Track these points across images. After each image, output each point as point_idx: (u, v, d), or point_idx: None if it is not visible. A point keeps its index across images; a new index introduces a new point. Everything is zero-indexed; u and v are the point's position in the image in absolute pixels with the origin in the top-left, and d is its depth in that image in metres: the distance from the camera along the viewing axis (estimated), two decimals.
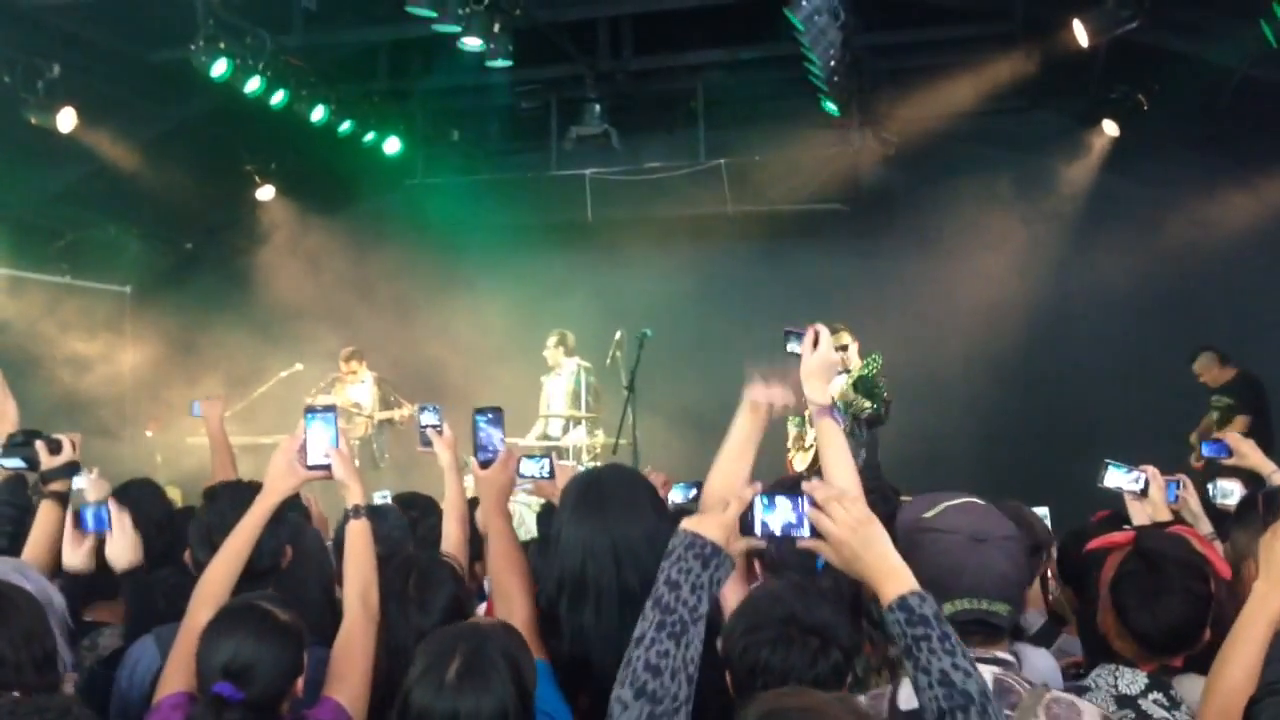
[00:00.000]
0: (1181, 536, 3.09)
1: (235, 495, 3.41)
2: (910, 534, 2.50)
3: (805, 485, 2.32)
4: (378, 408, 11.43)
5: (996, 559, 2.45)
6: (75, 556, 3.58)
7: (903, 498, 4.10)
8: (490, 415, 3.36)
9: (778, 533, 2.32)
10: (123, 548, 3.53)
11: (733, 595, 2.85)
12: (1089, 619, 3.05)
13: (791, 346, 3.23)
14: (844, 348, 9.60)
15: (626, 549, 2.87)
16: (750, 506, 2.35)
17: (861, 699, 2.39)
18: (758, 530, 2.33)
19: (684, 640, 2.21)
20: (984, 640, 2.44)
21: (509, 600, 3.03)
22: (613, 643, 2.80)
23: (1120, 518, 4.11)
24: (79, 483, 4.51)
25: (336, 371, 11.44)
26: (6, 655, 2.58)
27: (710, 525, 2.31)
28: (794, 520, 2.31)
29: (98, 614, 3.81)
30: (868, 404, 9.08)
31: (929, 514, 2.52)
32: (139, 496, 4.02)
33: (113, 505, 3.59)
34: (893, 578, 2.23)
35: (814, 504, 2.29)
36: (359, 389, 11.44)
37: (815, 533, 2.29)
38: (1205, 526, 4.10)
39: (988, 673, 2.36)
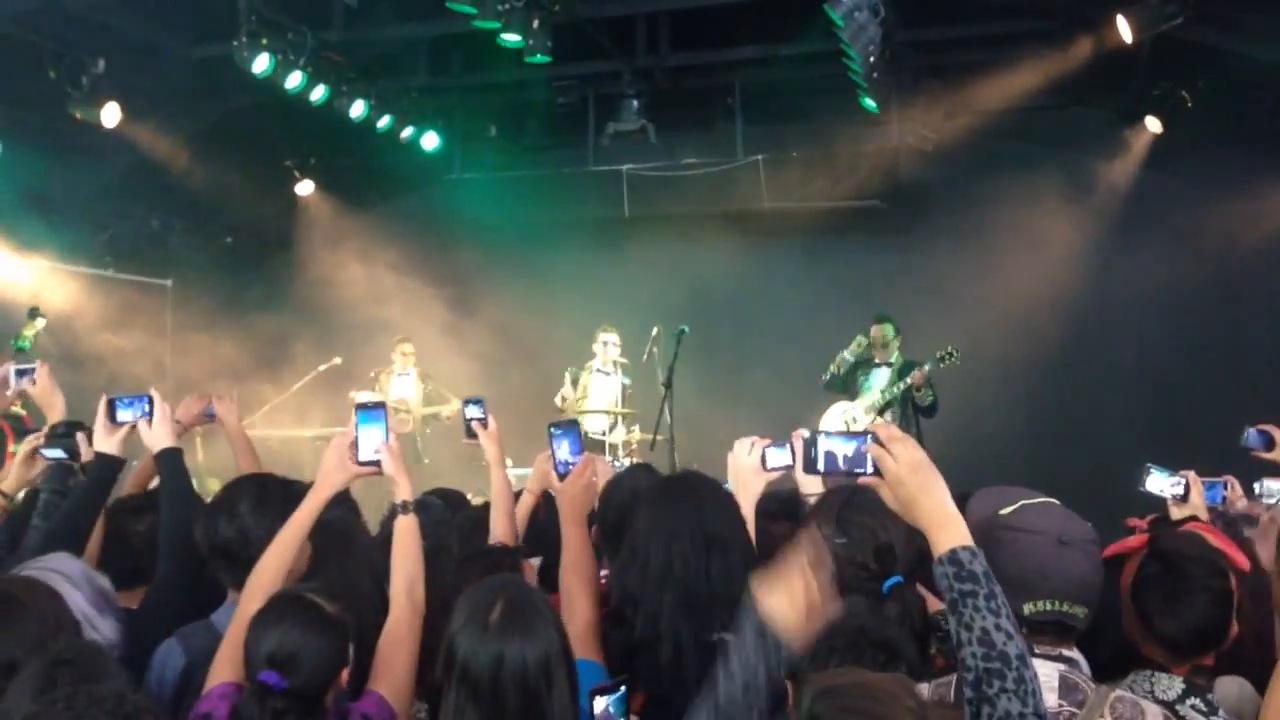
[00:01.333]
0: (1196, 533, 3.08)
1: (238, 482, 3.47)
2: (988, 530, 2.49)
3: (872, 425, 2.34)
4: (422, 403, 11.46)
5: (1080, 562, 2.45)
6: (107, 444, 3.67)
7: None
8: (562, 428, 3.47)
9: (841, 466, 2.34)
10: (161, 432, 3.65)
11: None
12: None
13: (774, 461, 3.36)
14: (896, 335, 9.66)
15: (715, 537, 2.91)
16: (814, 441, 2.37)
17: (926, 686, 2.41)
18: (821, 465, 2.35)
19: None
20: (1055, 639, 2.45)
21: (572, 602, 3.08)
22: (686, 631, 2.84)
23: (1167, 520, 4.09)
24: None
25: (385, 365, 11.47)
26: (19, 660, 2.52)
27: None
28: (856, 458, 2.33)
29: (136, 600, 3.85)
30: (931, 394, 9.16)
31: (1006, 511, 2.52)
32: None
33: (156, 396, 3.68)
34: (947, 528, 2.23)
35: (878, 441, 2.30)
36: (404, 382, 11.47)
37: (876, 473, 2.30)
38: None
39: (1054, 670, 2.39)
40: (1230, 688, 2.86)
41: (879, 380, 9.67)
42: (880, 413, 9.53)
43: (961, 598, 2.15)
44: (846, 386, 9.80)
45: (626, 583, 3.01)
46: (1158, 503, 4.19)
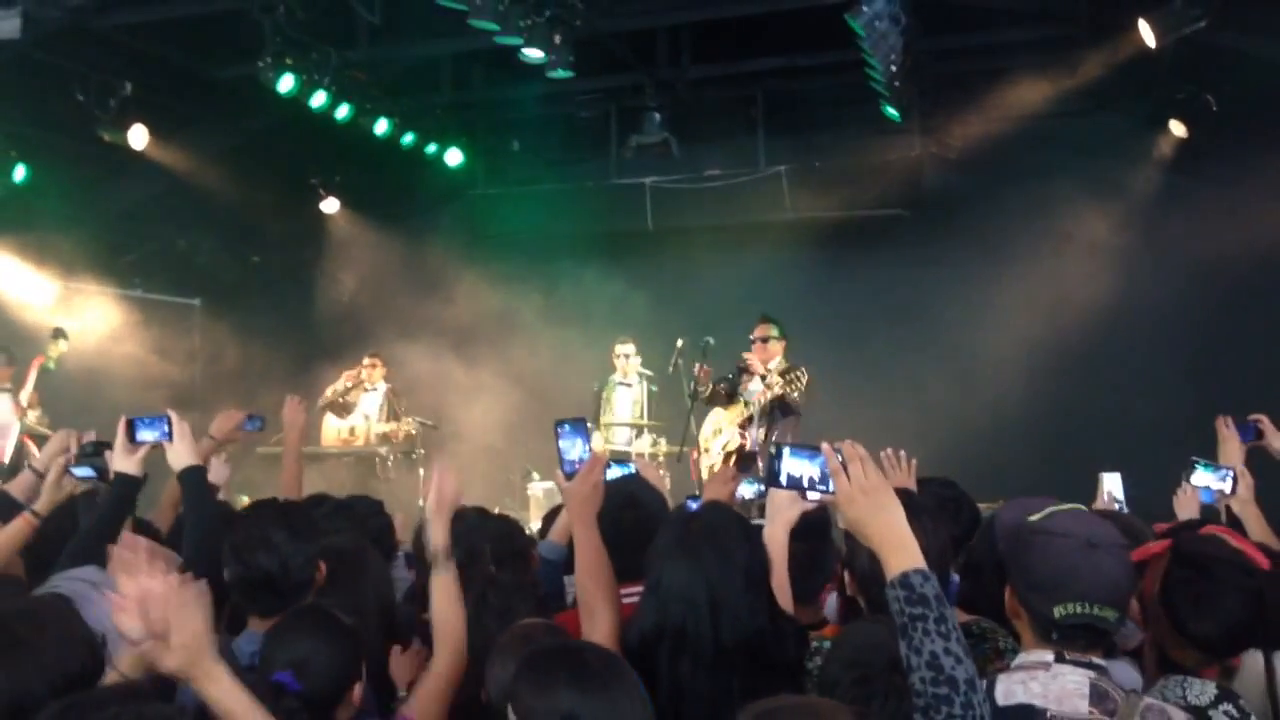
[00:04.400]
0: (1216, 535, 3.06)
1: (259, 512, 3.48)
2: (1018, 535, 2.52)
3: (838, 444, 2.33)
4: (382, 418, 11.39)
5: (1109, 565, 2.45)
6: (127, 464, 3.68)
7: None
8: (570, 425, 3.28)
9: (803, 484, 2.36)
10: (183, 450, 3.65)
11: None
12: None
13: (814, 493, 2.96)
14: (765, 340, 9.39)
15: (725, 602, 2.83)
16: (777, 456, 2.38)
17: None
18: (783, 480, 2.36)
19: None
20: (1086, 645, 2.44)
21: (593, 611, 3.01)
22: (707, 696, 2.79)
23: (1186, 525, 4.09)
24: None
25: (357, 376, 11.46)
26: (36, 688, 2.43)
27: (901, 548, 2.27)
28: (816, 476, 2.35)
29: None
30: (795, 392, 8.93)
31: (1036, 517, 2.53)
32: None
33: (174, 416, 3.68)
34: (899, 550, 2.24)
35: (840, 460, 2.32)
36: (371, 398, 11.47)
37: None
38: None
39: (1084, 677, 2.38)
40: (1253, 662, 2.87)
41: (752, 392, 9.24)
42: (744, 425, 9.30)
43: (911, 621, 2.16)
44: (730, 396, 9.42)
45: (646, 633, 2.93)
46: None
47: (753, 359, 9.07)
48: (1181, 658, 2.77)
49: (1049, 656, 2.42)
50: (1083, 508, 2.58)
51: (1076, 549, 2.44)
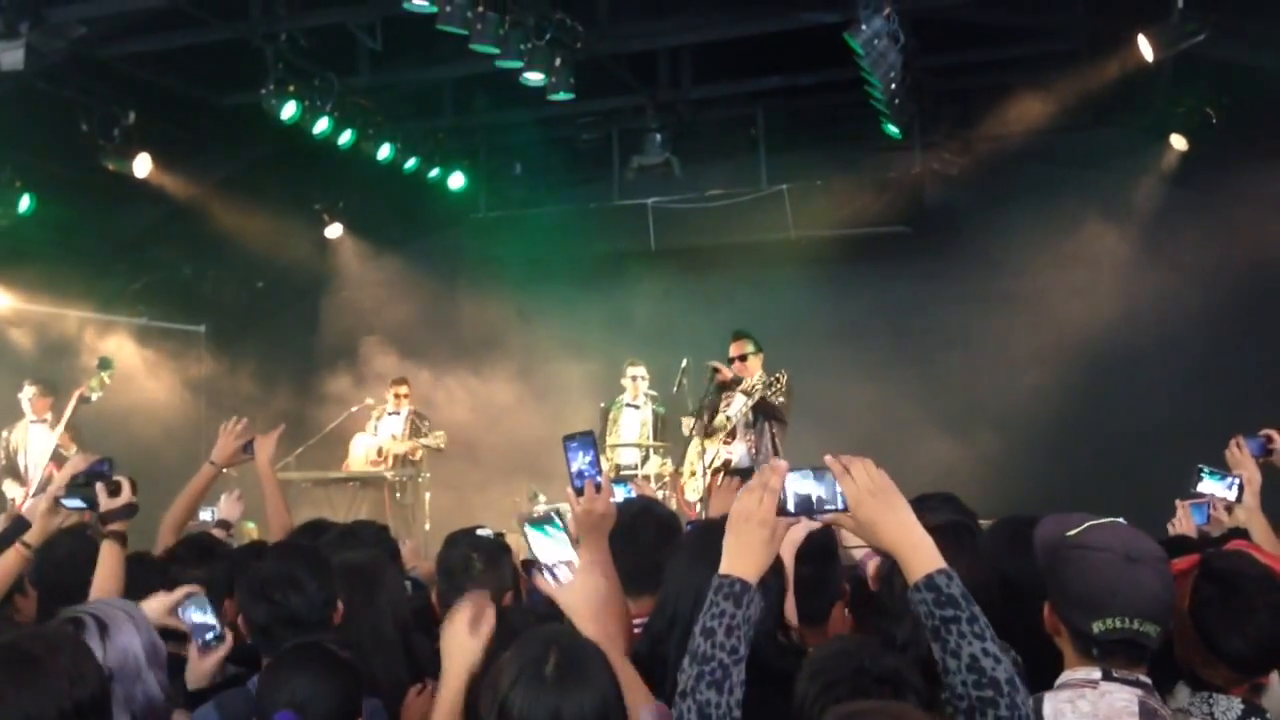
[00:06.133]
0: (1243, 552, 3.03)
1: (283, 552, 3.47)
2: (1055, 550, 2.48)
3: (832, 457, 2.30)
4: (406, 440, 11.30)
5: (1150, 579, 2.41)
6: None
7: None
8: (578, 441, 3.09)
9: (812, 504, 2.30)
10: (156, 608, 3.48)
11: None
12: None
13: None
14: (743, 358, 9.38)
15: None
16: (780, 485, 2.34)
17: None
18: (791, 507, 2.30)
19: (726, 686, 2.18)
20: (1127, 661, 2.41)
21: (603, 643, 2.92)
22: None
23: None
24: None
25: (383, 401, 11.39)
26: (48, 712, 2.38)
27: (742, 563, 2.28)
28: (824, 494, 2.29)
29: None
30: (776, 396, 8.91)
31: (1073, 532, 2.49)
32: None
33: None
34: (918, 551, 2.18)
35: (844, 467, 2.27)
36: (393, 420, 11.36)
37: (844, 509, 2.26)
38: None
39: (1133, 695, 2.35)
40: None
41: (735, 407, 9.24)
42: (729, 437, 9.28)
43: (944, 624, 2.11)
44: (710, 425, 9.42)
45: (658, 629, 2.92)
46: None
47: (730, 373, 9.10)
48: (1212, 675, 2.71)
49: (1096, 674, 2.39)
50: (1121, 521, 2.55)
51: (1115, 563, 2.40)
